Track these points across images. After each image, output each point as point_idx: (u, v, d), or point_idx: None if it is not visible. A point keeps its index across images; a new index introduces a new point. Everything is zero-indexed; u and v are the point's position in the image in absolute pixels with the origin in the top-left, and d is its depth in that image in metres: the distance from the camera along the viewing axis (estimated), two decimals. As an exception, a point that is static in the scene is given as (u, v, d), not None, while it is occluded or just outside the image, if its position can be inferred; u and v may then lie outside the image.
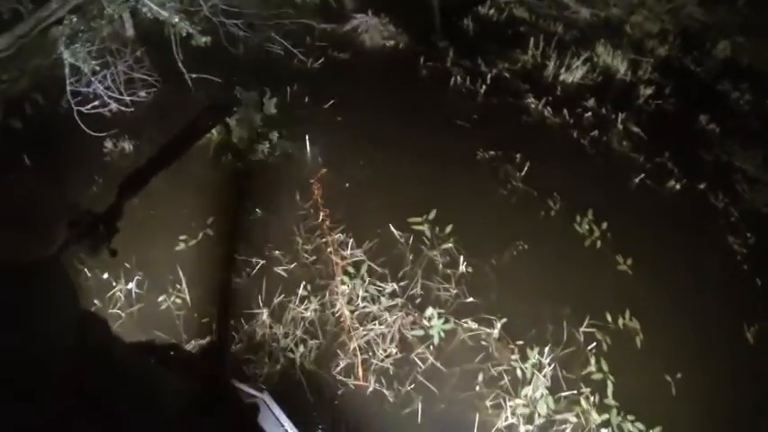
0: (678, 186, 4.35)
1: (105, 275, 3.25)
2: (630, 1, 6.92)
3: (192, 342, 2.96)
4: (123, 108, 4.36)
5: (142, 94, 4.56)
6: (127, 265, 3.28)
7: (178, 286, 3.18)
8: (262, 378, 2.80)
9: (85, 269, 3.25)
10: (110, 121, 4.29)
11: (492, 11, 6.10)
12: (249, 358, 2.88)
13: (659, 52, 6.24)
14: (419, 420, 2.73)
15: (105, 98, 4.34)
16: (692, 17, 7.32)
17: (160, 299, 3.16)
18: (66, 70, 4.26)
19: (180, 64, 4.54)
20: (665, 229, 3.99)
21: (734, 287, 3.78)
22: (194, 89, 4.57)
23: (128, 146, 4.13)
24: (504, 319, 3.05)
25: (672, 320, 3.33)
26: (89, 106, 4.26)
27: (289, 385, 2.78)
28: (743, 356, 3.35)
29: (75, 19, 4.29)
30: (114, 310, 3.11)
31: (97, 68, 4.30)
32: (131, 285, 3.20)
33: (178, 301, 3.14)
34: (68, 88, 4.24)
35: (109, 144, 4.12)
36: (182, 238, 3.45)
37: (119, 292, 3.18)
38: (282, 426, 2.15)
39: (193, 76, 4.59)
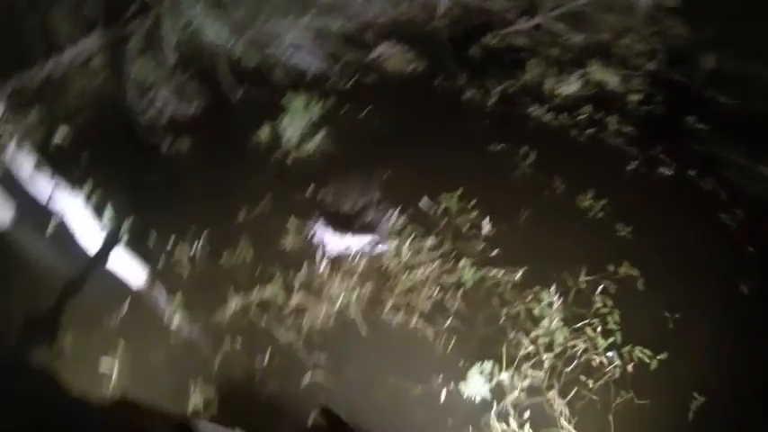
0: (669, 172, 4.95)
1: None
2: (618, 27, 7.77)
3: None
4: (177, 118, 5.22)
5: (191, 109, 5.48)
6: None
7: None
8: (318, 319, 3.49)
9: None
10: (164, 128, 5.21)
11: (495, 40, 7.01)
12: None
13: (648, 67, 6.97)
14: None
15: (162, 108, 5.26)
16: (679, 36, 8.11)
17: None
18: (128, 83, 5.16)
19: (223, 86, 5.37)
20: (660, 205, 4.55)
21: (728, 251, 4.29)
22: (240, 105, 5.42)
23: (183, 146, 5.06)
24: (525, 267, 3.67)
25: (670, 270, 3.87)
26: (147, 116, 5.20)
27: (343, 325, 3.48)
28: (738, 304, 3.84)
29: (142, 38, 5.18)
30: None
31: (157, 82, 5.22)
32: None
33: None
34: (128, 96, 5.14)
35: (164, 147, 5.03)
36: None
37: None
38: None
39: (238, 95, 5.39)
